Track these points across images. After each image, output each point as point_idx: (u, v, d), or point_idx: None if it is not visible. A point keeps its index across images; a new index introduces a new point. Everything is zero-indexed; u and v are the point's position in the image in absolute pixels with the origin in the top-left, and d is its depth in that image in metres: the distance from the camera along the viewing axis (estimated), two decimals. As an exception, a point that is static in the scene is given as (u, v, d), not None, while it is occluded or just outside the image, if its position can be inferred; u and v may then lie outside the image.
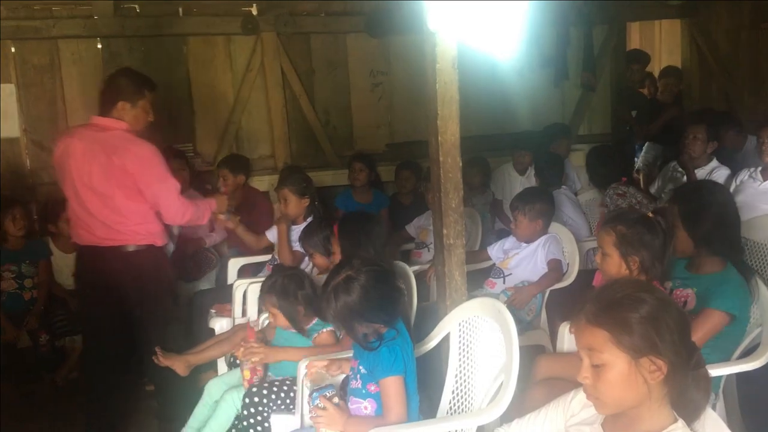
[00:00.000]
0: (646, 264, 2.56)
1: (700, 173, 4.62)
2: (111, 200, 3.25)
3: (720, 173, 4.54)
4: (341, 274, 2.36)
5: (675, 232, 2.75)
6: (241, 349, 2.93)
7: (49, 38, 4.91)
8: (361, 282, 2.32)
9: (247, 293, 3.73)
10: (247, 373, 2.92)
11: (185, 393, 3.35)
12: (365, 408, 2.38)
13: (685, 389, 1.58)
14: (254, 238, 4.24)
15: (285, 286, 3.00)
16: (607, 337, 1.56)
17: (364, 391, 2.38)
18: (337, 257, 3.19)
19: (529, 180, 5.36)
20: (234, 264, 4.31)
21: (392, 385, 2.29)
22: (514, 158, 5.42)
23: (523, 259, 3.65)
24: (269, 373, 3.01)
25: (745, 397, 2.85)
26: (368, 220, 3.30)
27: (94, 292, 3.40)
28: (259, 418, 2.81)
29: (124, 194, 3.24)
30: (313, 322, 3.02)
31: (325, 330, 2.97)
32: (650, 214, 2.66)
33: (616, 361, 1.56)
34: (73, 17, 4.94)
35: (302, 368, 2.77)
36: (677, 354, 1.55)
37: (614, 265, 2.60)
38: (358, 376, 2.40)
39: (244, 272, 4.28)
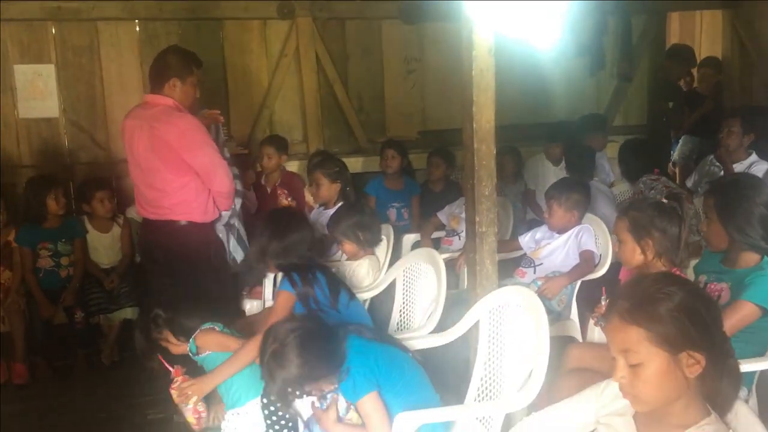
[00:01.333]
0: (660, 247, 2.55)
1: (738, 167, 4.53)
2: (154, 174, 3.36)
3: (759, 167, 4.45)
4: (268, 349, 2.23)
5: (710, 224, 2.73)
6: (174, 393, 2.69)
7: (89, 20, 4.98)
8: (290, 352, 2.19)
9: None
10: (191, 419, 2.70)
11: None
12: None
13: (719, 380, 1.56)
14: None
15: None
16: (643, 335, 1.52)
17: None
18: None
19: (563, 170, 5.31)
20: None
21: (365, 405, 2.26)
22: (546, 149, 5.38)
23: (555, 249, 3.62)
24: (223, 410, 2.82)
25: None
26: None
27: (148, 262, 3.60)
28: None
29: (167, 168, 3.33)
30: None
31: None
32: (664, 200, 2.65)
33: (654, 358, 1.52)
34: (112, 0, 5.00)
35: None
36: (714, 344, 1.52)
37: (629, 251, 2.61)
38: (347, 402, 2.37)
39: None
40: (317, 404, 2.38)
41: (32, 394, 4.05)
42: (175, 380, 2.70)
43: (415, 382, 2.40)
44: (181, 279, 3.42)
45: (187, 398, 2.65)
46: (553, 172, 5.22)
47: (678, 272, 2.54)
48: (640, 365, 1.53)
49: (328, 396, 2.33)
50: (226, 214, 3.61)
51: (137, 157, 3.40)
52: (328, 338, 2.29)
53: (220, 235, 3.64)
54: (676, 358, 1.52)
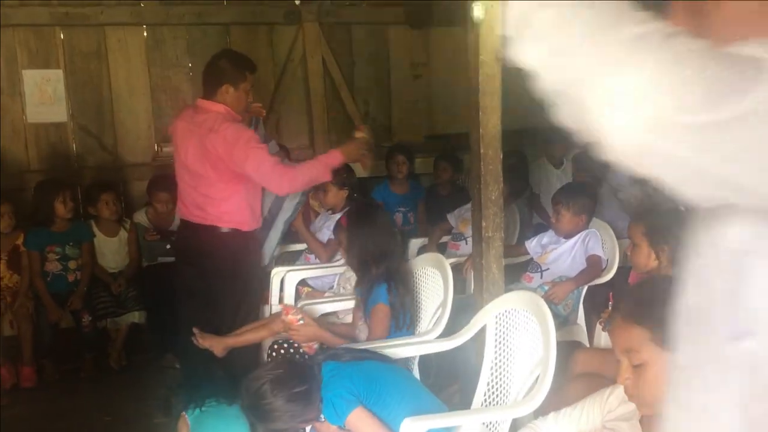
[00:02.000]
0: (676, 255, 2.53)
1: None
2: (202, 180, 3.36)
3: None
4: (244, 404, 2.28)
5: None
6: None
7: (97, 25, 5.00)
8: (266, 405, 2.22)
9: (284, 281, 3.77)
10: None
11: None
12: None
13: None
14: (318, 244, 4.07)
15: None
16: (645, 335, 1.51)
17: None
18: (344, 250, 3.09)
19: (565, 173, 5.31)
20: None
21: (352, 423, 2.24)
22: (547, 151, 5.38)
23: (562, 254, 3.61)
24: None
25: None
26: (374, 208, 3.30)
27: (185, 266, 3.55)
28: None
29: (218, 176, 3.33)
30: None
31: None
32: (682, 207, 2.63)
33: (657, 359, 1.51)
34: (120, 5, 5.02)
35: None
36: None
37: (643, 255, 2.59)
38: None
39: (281, 260, 4.32)
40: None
41: (39, 397, 4.07)
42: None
43: (405, 389, 2.39)
44: (213, 283, 3.40)
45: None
46: (555, 176, 5.23)
47: None
48: (643, 366, 1.52)
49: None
50: (289, 207, 3.64)
51: (187, 161, 3.38)
52: (300, 379, 2.28)
53: (274, 234, 3.70)
54: None
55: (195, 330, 3.18)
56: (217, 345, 3.18)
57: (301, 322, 2.76)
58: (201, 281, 3.43)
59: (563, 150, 5.28)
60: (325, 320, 3.19)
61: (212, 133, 3.26)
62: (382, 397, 2.29)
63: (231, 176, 3.32)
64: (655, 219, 2.59)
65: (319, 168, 3.35)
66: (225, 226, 3.41)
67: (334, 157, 3.38)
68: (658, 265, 2.60)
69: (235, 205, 3.40)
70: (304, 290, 3.88)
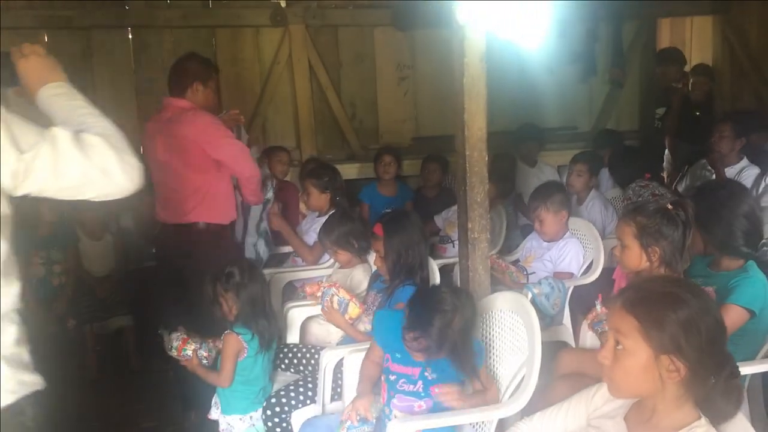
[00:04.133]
0: (666, 255, 2.55)
1: (730, 172, 4.56)
2: (173, 174, 3.38)
3: (750, 172, 4.49)
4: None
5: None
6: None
7: (81, 28, 4.98)
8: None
9: (270, 283, 3.76)
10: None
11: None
12: (419, 407, 2.35)
13: (713, 398, 1.57)
14: (303, 245, 4.08)
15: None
16: (636, 326, 1.56)
17: (422, 393, 2.34)
18: (380, 258, 3.03)
19: (541, 170, 5.38)
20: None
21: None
22: (520, 151, 5.43)
23: (544, 261, 3.65)
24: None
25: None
26: (407, 216, 3.32)
27: (168, 270, 3.57)
28: (284, 424, 2.83)
29: (186, 166, 3.36)
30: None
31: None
32: (669, 206, 2.65)
33: (638, 350, 1.56)
34: (105, 7, 5.00)
35: (324, 358, 2.80)
36: (701, 362, 1.54)
37: (634, 256, 2.59)
38: (420, 381, 2.35)
39: (269, 263, 4.31)
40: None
41: (24, 403, 4.02)
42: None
43: None
44: (193, 284, 3.35)
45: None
46: (531, 174, 5.29)
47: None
48: (624, 351, 1.58)
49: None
50: (256, 214, 3.66)
51: (158, 159, 3.42)
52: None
53: (251, 240, 3.75)
54: (657, 357, 1.55)
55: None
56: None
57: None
58: (182, 283, 3.42)
59: (536, 149, 5.38)
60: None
61: (180, 123, 3.34)
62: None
63: (200, 163, 3.36)
64: (645, 220, 2.59)
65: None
66: (200, 221, 3.42)
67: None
68: (649, 266, 2.61)
69: (205, 195, 3.41)
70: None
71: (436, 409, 2.32)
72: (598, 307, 2.67)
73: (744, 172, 4.50)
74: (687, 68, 6.63)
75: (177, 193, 3.42)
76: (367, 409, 2.40)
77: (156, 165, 3.44)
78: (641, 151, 5.12)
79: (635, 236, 2.58)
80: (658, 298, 1.59)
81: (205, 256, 3.31)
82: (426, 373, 2.34)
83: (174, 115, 3.40)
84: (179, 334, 2.87)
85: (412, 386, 2.36)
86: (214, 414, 2.96)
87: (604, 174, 5.18)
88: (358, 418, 2.38)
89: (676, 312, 1.54)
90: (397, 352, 2.39)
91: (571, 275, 3.57)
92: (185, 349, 2.85)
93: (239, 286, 2.84)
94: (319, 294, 3.00)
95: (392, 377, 2.40)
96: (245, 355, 2.85)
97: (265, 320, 2.89)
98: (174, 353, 2.86)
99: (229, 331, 2.84)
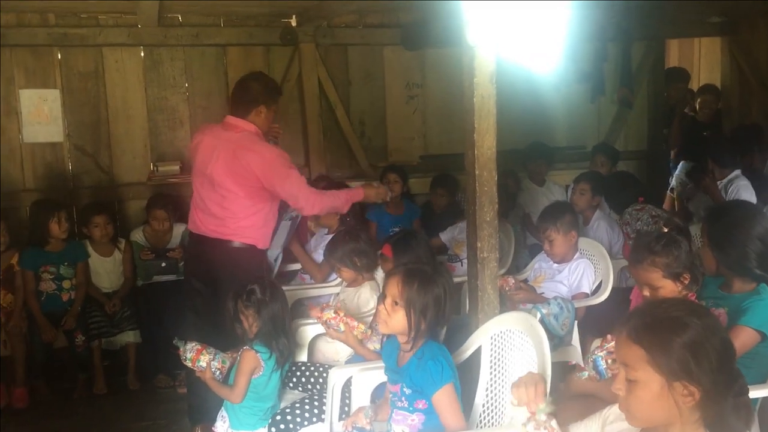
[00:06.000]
0: (694, 272, 2.60)
1: (721, 183, 4.66)
2: (226, 195, 3.39)
3: (738, 183, 4.52)
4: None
5: (703, 248, 2.77)
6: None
7: (94, 46, 5.03)
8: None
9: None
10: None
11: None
12: (412, 420, 2.36)
13: (724, 416, 1.55)
14: (311, 263, 4.11)
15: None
16: (644, 356, 1.55)
17: (411, 408, 2.36)
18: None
19: (549, 190, 5.38)
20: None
21: (444, 394, 2.28)
22: (529, 170, 5.45)
23: (555, 282, 3.64)
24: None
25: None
26: (413, 236, 3.34)
27: (195, 280, 3.55)
28: None
29: (245, 194, 3.38)
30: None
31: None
32: (665, 229, 2.67)
33: (650, 380, 1.55)
34: (118, 26, 5.06)
35: (333, 376, 2.79)
36: (714, 383, 1.53)
37: (670, 292, 2.60)
38: (403, 398, 2.38)
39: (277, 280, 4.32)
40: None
41: (32, 418, 4.04)
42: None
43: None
44: (221, 299, 3.33)
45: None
46: (540, 193, 5.30)
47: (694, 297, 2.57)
48: (636, 382, 1.57)
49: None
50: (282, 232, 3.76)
51: (213, 177, 3.40)
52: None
53: (271, 254, 3.78)
54: (671, 385, 1.54)
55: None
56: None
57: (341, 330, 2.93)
58: (209, 297, 3.43)
59: (545, 168, 5.41)
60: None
61: (247, 151, 3.34)
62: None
63: (257, 193, 3.39)
64: (665, 258, 2.60)
65: (342, 200, 3.64)
66: (240, 242, 3.43)
67: (357, 195, 3.72)
68: (681, 290, 2.64)
69: (256, 222, 3.44)
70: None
71: (428, 423, 2.33)
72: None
73: (734, 182, 4.58)
74: (694, 88, 6.69)
75: (224, 211, 3.41)
76: (360, 419, 2.48)
77: (207, 179, 3.43)
78: (631, 176, 5.18)
79: (664, 276, 2.60)
80: (662, 324, 1.57)
81: (233, 274, 3.31)
82: (405, 389, 2.37)
83: (241, 138, 3.39)
84: (194, 344, 2.87)
85: (401, 402, 2.39)
86: (220, 428, 2.96)
87: None
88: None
89: (681, 336, 1.53)
90: (390, 371, 2.48)
91: (586, 296, 3.55)
92: (199, 360, 2.84)
93: (260, 303, 2.86)
94: (324, 320, 2.98)
95: (390, 395, 2.47)
96: (260, 373, 2.86)
97: (284, 338, 2.91)
98: (189, 364, 2.85)
99: (248, 347, 2.85)
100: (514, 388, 1.89)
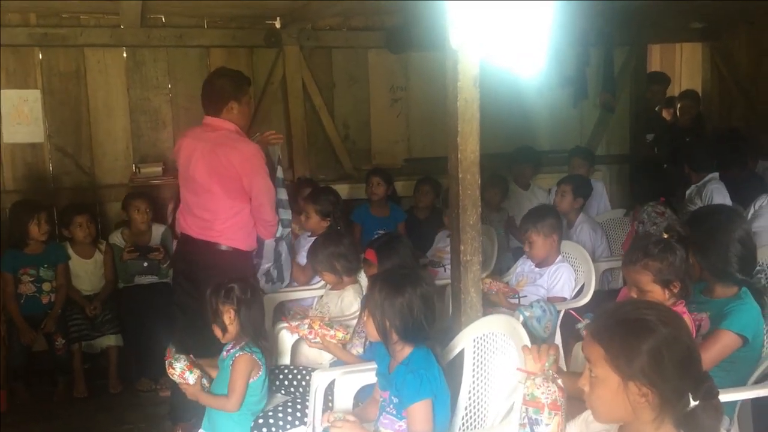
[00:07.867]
0: (684, 282, 2.59)
1: (695, 187, 4.72)
2: (208, 195, 3.41)
3: (711, 186, 4.56)
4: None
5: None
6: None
7: (76, 46, 4.99)
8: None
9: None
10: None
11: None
12: (400, 426, 2.38)
13: (695, 416, 1.56)
14: (294, 266, 4.06)
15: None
16: (603, 355, 1.59)
17: (399, 416, 2.38)
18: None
19: (534, 194, 5.42)
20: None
21: (418, 409, 2.26)
22: (514, 173, 5.48)
23: (536, 286, 3.66)
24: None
25: (761, 422, 2.83)
26: (398, 239, 3.34)
27: (183, 280, 3.58)
28: None
29: (226, 193, 3.39)
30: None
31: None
32: (665, 235, 2.67)
33: (608, 378, 1.59)
34: (100, 26, 5.02)
35: (316, 380, 2.78)
36: (671, 387, 1.54)
37: (658, 298, 2.60)
38: (391, 405, 2.39)
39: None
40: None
41: (11, 421, 3.99)
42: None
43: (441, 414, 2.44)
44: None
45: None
46: (525, 197, 5.33)
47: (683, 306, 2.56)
48: (597, 379, 1.62)
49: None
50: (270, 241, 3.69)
51: (195, 177, 3.43)
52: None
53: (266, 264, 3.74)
54: (626, 384, 1.57)
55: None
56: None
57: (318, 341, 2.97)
58: (195, 296, 3.40)
59: (530, 172, 5.45)
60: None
61: (227, 147, 3.37)
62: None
63: (239, 191, 3.40)
64: (659, 263, 2.59)
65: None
66: (225, 244, 3.44)
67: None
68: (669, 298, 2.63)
69: (238, 224, 3.45)
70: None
71: None
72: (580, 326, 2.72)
73: (708, 184, 4.60)
74: (672, 92, 6.76)
75: (209, 213, 3.44)
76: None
77: (192, 182, 3.46)
78: (664, 170, 5.17)
79: (654, 281, 2.59)
80: (626, 325, 1.60)
81: (222, 274, 3.22)
82: (393, 398, 2.38)
83: (221, 137, 3.41)
84: (186, 359, 2.81)
85: (390, 408, 2.41)
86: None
87: (601, 195, 5.24)
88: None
89: (641, 340, 1.55)
90: (380, 376, 2.51)
91: (564, 299, 3.58)
92: (191, 371, 2.79)
93: (239, 301, 2.82)
94: (304, 331, 2.99)
95: (380, 399, 2.49)
96: (260, 373, 2.84)
97: (265, 341, 2.89)
98: (176, 374, 2.78)
99: (241, 352, 2.80)
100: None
